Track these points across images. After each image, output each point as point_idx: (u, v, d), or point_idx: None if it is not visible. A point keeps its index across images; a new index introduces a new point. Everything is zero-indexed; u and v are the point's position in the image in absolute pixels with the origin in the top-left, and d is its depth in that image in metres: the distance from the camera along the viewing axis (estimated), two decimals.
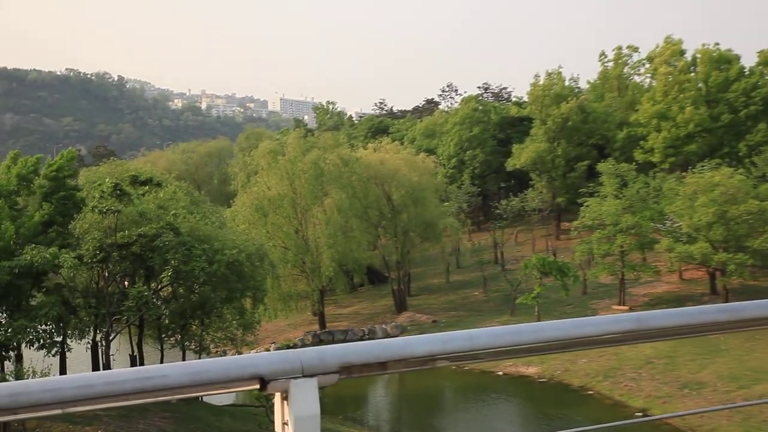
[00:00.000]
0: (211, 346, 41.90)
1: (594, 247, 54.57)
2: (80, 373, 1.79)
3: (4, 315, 35.69)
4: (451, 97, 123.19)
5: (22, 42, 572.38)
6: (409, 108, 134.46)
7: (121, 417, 31.29)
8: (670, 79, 69.94)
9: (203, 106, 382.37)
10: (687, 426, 32.72)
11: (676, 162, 67.85)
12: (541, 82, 78.44)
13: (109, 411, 27.32)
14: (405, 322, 59.09)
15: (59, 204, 38.52)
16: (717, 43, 71.35)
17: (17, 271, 32.71)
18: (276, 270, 49.67)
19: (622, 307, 53.62)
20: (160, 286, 40.29)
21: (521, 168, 77.51)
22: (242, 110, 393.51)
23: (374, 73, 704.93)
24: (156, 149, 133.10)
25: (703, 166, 55.02)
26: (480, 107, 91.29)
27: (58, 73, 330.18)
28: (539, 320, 49.62)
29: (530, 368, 44.68)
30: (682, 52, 71.83)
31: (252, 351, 47.94)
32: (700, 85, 70.31)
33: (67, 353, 37.75)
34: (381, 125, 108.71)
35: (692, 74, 70.93)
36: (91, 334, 39.25)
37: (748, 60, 78.76)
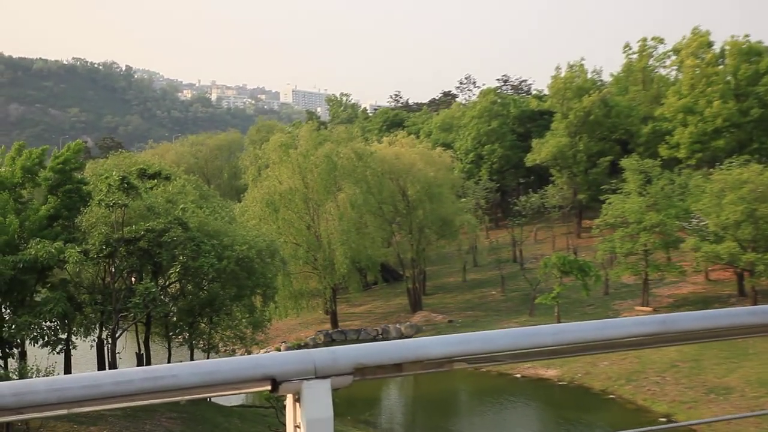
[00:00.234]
0: (220, 344, 42.02)
1: (616, 246, 54.33)
2: (87, 373, 1.79)
3: (8, 311, 35.88)
4: (469, 90, 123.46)
5: (28, 31, 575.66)
6: (426, 100, 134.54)
7: (127, 417, 31.45)
8: (697, 72, 69.48)
9: (213, 97, 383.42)
10: None
11: (702, 158, 67.44)
12: (562, 75, 78.19)
13: (114, 411, 27.45)
14: (420, 321, 59.05)
15: (65, 197, 38.68)
16: (747, 35, 70.94)
17: (21, 265, 32.86)
18: (287, 267, 49.75)
19: (645, 309, 53.38)
20: (168, 283, 40.43)
21: (541, 163, 77.27)
22: (253, 102, 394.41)
23: (390, 64, 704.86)
24: (164, 141, 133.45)
25: (731, 163, 54.61)
26: (499, 100, 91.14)
27: (65, 62, 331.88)
28: (559, 321, 49.63)
29: (549, 371, 44.56)
30: (710, 44, 71.35)
31: (262, 350, 48.14)
32: (729, 78, 69.82)
33: (72, 351, 37.93)
34: (396, 118, 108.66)
35: (720, 67, 70.43)
36: (97, 331, 39.43)
37: None
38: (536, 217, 78.22)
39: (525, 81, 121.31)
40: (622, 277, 56.82)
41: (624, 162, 59.29)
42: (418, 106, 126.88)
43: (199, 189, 52.28)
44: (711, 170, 57.91)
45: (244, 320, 40.96)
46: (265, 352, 49.45)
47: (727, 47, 70.59)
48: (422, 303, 63.80)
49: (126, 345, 42.85)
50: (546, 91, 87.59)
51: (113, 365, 37.32)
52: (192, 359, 40.91)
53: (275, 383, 1.87)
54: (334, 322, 59.95)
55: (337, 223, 57.89)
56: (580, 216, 77.63)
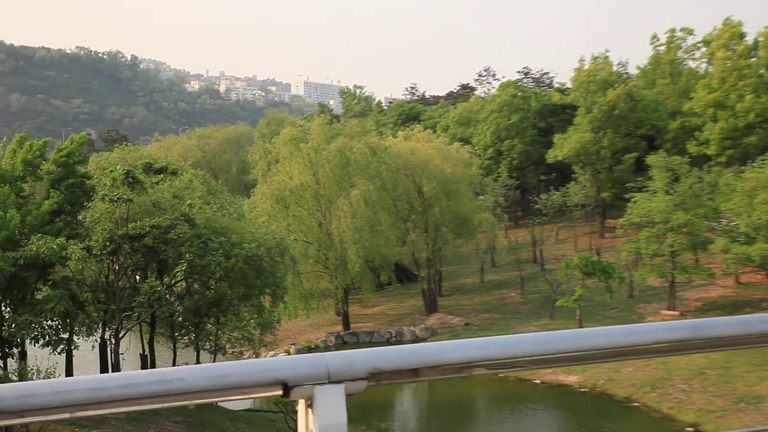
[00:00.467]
0: (227, 346, 42.15)
1: (642, 247, 54.13)
2: (92, 375, 1.80)
3: (8, 309, 36.08)
4: (488, 83, 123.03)
5: (30, 18, 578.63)
6: (443, 93, 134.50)
7: (130, 421, 31.62)
8: (728, 65, 69.10)
9: (222, 88, 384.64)
10: None
11: (733, 155, 67.09)
12: (586, 67, 77.90)
13: (117, 414, 27.59)
14: (435, 324, 59.05)
15: (68, 192, 38.85)
16: None
17: (22, 262, 33.01)
18: (297, 266, 49.84)
19: (671, 313, 53.18)
20: (173, 281, 40.61)
21: (563, 160, 77.07)
22: (263, 94, 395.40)
23: (406, 56, 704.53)
24: (171, 134, 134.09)
25: (763, 160, 54.26)
26: (519, 93, 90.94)
27: (68, 51, 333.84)
28: (581, 325, 49.53)
29: (571, 377, 44.47)
30: (742, 35, 70.95)
31: (271, 352, 48.30)
32: (762, 71, 69.43)
33: (73, 351, 38.10)
34: (412, 112, 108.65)
35: (753, 59, 70.06)
36: (100, 331, 39.64)
37: None
38: (557, 215, 77.98)
39: (547, 73, 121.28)
40: (648, 280, 56.59)
41: (650, 159, 59.03)
42: (435, 100, 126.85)
43: (207, 184, 52.36)
44: (742, 168, 57.60)
45: (252, 321, 41.07)
46: (274, 354, 49.64)
47: (761, 39, 70.19)
48: (438, 304, 63.78)
49: (129, 346, 43.09)
50: (569, 84, 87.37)
51: (116, 366, 37.51)
52: (198, 361, 41.07)
53: (287, 388, 1.87)
54: (346, 324, 60.01)
55: (350, 220, 57.91)
56: (603, 215, 77.35)
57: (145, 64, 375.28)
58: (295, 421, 2.03)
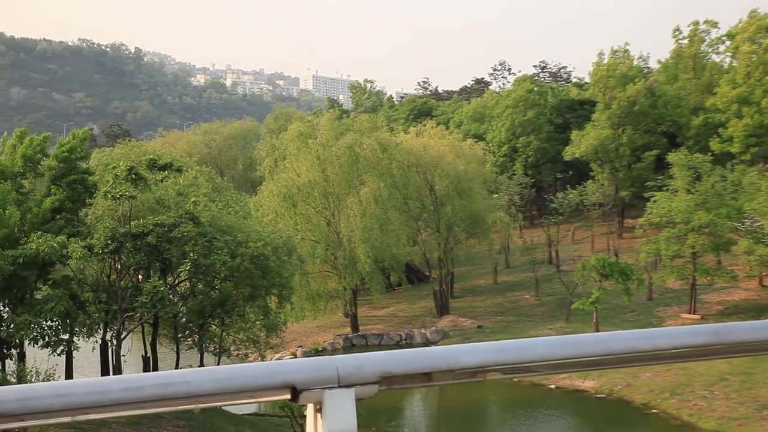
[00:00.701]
0: (232, 348, 42.23)
1: (662, 248, 53.97)
2: (94, 378, 1.81)
3: (7, 309, 36.22)
4: (503, 77, 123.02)
5: (31, 9, 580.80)
6: (456, 88, 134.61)
7: (131, 424, 31.72)
8: (753, 59, 68.86)
9: (228, 82, 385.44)
10: None
11: (758, 153, 66.88)
12: (605, 61, 77.79)
13: (118, 418, 27.68)
14: (446, 326, 59.04)
15: (69, 188, 38.97)
16: None
17: (22, 260, 33.14)
18: (305, 266, 49.90)
19: (692, 316, 53.03)
20: (177, 281, 40.67)
21: (580, 157, 76.96)
22: (271, 88, 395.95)
23: (418, 49, 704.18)
24: (175, 129, 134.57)
25: None
26: (535, 88, 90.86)
27: (70, 43, 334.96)
28: (597, 328, 49.45)
29: (587, 382, 44.39)
30: None
31: (277, 355, 48.37)
32: None
33: (74, 352, 38.24)
34: (424, 107, 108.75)
35: None
36: (101, 332, 39.77)
37: None
38: (574, 215, 77.88)
39: (564, 68, 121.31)
40: (668, 282, 56.44)
41: (671, 156, 58.86)
42: (448, 95, 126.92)
43: (212, 181, 52.43)
44: (767, 166, 57.39)
45: (258, 322, 41.11)
46: (280, 357, 49.74)
47: None
48: (449, 306, 63.76)
49: (131, 347, 43.17)
50: (587, 79, 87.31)
51: (118, 368, 37.61)
52: (202, 363, 41.17)
53: (295, 392, 1.87)
54: (355, 326, 60.06)
55: (359, 219, 57.94)
56: (622, 215, 77.22)
57: (149, 57, 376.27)
58: (302, 425, 2.03)
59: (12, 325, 34.11)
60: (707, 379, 40.93)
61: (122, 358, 37.84)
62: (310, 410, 1.92)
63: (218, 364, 39.65)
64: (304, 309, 57.63)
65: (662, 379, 42.12)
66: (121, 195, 36.29)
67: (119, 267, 37.55)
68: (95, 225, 37.07)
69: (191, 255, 36.81)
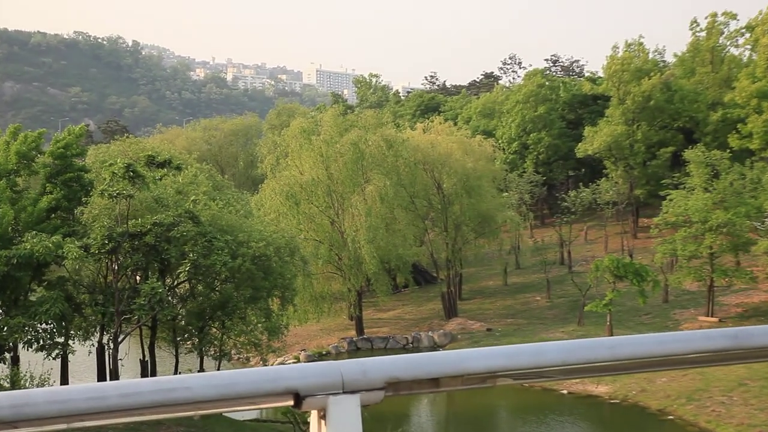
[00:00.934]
0: (233, 352, 42.22)
1: (678, 248, 53.88)
2: (91, 383, 1.81)
3: (0, 311, 36.28)
4: (513, 71, 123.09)
5: (25, 1, 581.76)
6: (465, 83, 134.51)
7: (128, 431, 31.72)
8: None
9: (229, 77, 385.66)
10: None
11: None
12: (619, 55, 77.64)
13: (116, 424, 27.70)
14: (455, 329, 59.03)
15: (65, 186, 39.03)
16: None
17: (15, 261, 33.22)
18: (308, 267, 49.90)
19: (710, 319, 52.92)
20: (176, 283, 40.73)
21: (593, 154, 76.86)
22: (273, 83, 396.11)
23: (425, 42, 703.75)
24: (174, 125, 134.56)
25: None
26: (547, 83, 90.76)
27: (65, 36, 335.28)
28: (611, 331, 49.37)
29: (600, 387, 44.33)
30: None
31: (279, 359, 48.35)
32: None
33: (69, 356, 38.28)
34: (432, 102, 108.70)
35: None
36: (97, 335, 39.82)
37: None
38: (587, 214, 77.74)
39: (577, 61, 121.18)
40: (684, 283, 56.34)
41: (688, 153, 58.78)
42: (457, 89, 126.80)
43: (212, 179, 52.56)
44: None
45: (259, 325, 41.11)
46: (283, 361, 49.70)
47: None
48: (458, 309, 63.73)
49: (129, 351, 43.25)
50: (600, 73, 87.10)
51: (115, 373, 37.64)
52: (201, 367, 41.21)
53: (298, 398, 1.87)
54: (360, 329, 60.03)
55: (364, 218, 57.88)
56: (636, 214, 77.10)
57: (147, 50, 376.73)
58: None
59: (5, 328, 34.18)
60: (726, 385, 40.83)
61: (119, 363, 37.85)
62: (313, 417, 1.92)
63: (219, 368, 39.69)
64: (307, 311, 57.62)
65: (679, 384, 42.03)
66: (118, 193, 36.33)
67: (116, 268, 37.61)
68: (92, 224, 37.11)
69: (191, 255, 36.84)
